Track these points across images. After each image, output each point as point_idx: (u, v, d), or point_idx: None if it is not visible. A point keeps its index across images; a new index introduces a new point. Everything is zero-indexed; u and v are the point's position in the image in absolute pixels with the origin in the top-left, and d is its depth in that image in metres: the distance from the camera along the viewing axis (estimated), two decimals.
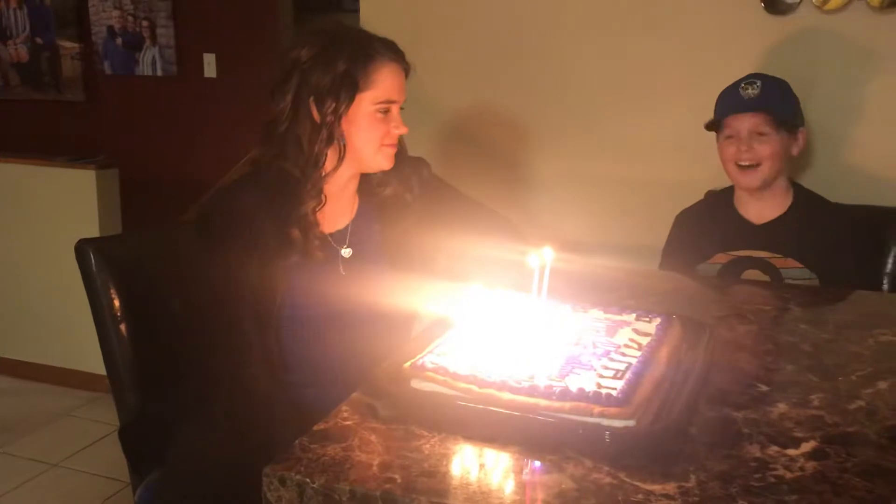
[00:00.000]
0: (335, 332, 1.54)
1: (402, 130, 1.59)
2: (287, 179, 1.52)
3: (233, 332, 1.45)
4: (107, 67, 4.40)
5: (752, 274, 1.97)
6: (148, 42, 4.28)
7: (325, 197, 1.54)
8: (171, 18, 4.19)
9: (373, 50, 1.54)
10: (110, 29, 4.35)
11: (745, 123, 1.96)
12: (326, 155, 1.53)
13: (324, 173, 1.54)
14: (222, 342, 1.46)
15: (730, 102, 2.00)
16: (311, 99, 1.51)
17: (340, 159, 1.55)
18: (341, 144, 1.54)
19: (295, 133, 1.53)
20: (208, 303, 1.50)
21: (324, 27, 1.58)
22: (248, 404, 1.41)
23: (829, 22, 2.22)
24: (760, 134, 1.95)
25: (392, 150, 1.59)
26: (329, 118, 1.51)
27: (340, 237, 1.60)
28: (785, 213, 2.01)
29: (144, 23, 4.27)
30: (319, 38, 1.54)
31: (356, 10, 2.78)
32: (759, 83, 1.96)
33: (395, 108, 1.58)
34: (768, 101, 1.94)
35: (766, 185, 1.98)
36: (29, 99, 4.58)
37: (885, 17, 2.17)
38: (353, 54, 1.52)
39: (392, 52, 1.56)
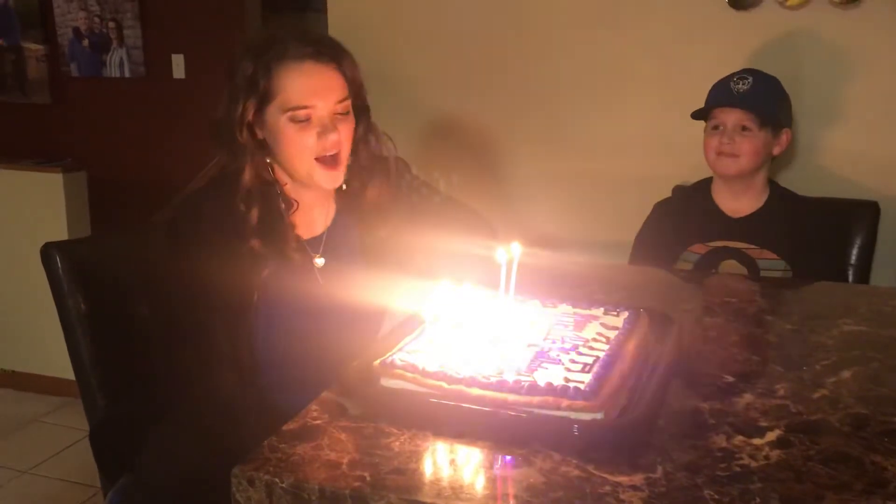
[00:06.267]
0: (310, 340, 1.51)
1: (330, 140, 1.41)
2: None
3: (201, 338, 1.43)
4: (73, 69, 4.33)
5: (730, 265, 2.00)
6: (115, 43, 4.23)
7: (297, 202, 1.48)
8: (139, 19, 4.14)
9: (279, 50, 1.40)
10: (76, 30, 4.29)
11: (730, 117, 2.00)
12: (272, 167, 1.46)
13: (283, 183, 1.48)
14: (190, 347, 1.44)
15: (719, 95, 2.04)
16: (231, 103, 1.42)
17: (287, 174, 1.47)
18: (270, 160, 1.44)
19: (227, 140, 1.45)
20: (177, 307, 1.47)
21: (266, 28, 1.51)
22: (215, 409, 1.39)
23: (792, 18, 2.26)
24: (744, 129, 1.98)
25: (331, 169, 1.45)
26: (238, 125, 1.40)
27: (316, 244, 1.54)
28: (761, 209, 2.05)
29: (111, 24, 4.21)
30: (247, 37, 1.47)
31: (324, 10, 2.77)
32: (750, 79, 2.00)
33: (315, 114, 1.41)
34: (756, 98, 1.98)
35: (741, 176, 2.02)
36: None
37: (846, 12, 2.20)
38: (257, 55, 1.40)
39: (306, 48, 1.41)
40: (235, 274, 1.43)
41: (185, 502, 1.33)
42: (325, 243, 1.54)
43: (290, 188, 1.51)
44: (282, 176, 1.50)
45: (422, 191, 1.68)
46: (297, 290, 1.49)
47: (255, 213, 1.43)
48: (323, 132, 1.42)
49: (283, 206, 1.48)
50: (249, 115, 1.40)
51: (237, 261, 1.44)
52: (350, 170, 1.51)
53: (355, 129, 1.50)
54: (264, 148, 1.45)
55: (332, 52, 1.44)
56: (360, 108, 1.52)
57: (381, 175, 1.55)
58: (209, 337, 1.43)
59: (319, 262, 1.53)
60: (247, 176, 1.43)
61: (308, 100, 1.40)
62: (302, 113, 1.41)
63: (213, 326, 1.43)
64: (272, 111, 1.42)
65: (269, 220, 1.46)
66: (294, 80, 1.40)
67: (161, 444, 1.43)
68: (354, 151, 1.51)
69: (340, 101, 1.45)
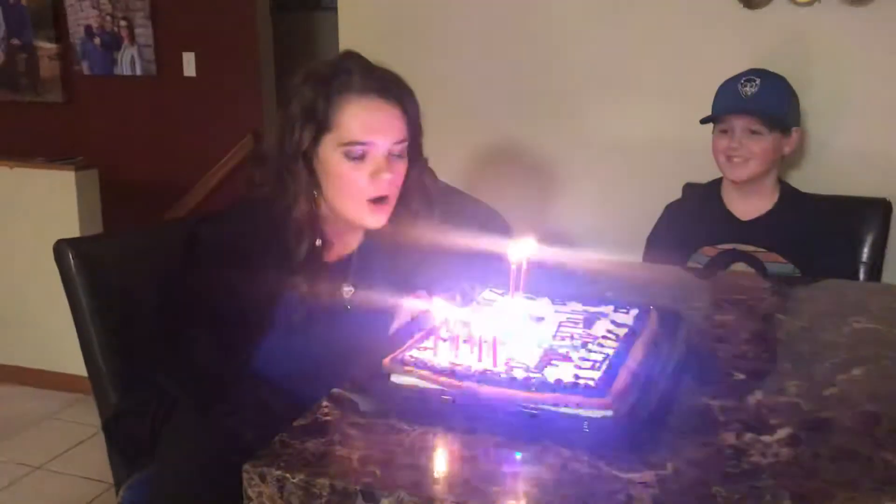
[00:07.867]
0: (329, 357, 1.47)
1: (383, 181, 1.35)
2: (285, 213, 1.39)
3: (206, 349, 1.39)
4: (85, 68, 4.36)
5: (739, 267, 1.99)
6: (126, 42, 4.25)
7: (327, 235, 1.42)
8: (150, 18, 4.17)
9: (343, 81, 1.35)
10: (88, 29, 4.31)
11: (739, 121, 1.99)
12: (313, 196, 1.38)
13: (316, 213, 1.39)
14: (196, 353, 1.40)
15: (727, 100, 2.02)
16: (287, 130, 1.37)
17: (330, 208, 1.39)
18: (315, 194, 1.37)
19: (279, 168, 1.39)
20: (187, 318, 1.42)
21: (336, 54, 1.42)
22: (221, 406, 1.38)
23: (803, 15, 2.25)
24: (753, 132, 1.97)
25: (378, 212, 1.38)
26: (293, 154, 1.35)
27: (344, 267, 1.48)
28: (771, 211, 2.04)
29: (122, 22, 4.24)
30: (311, 64, 1.40)
31: (334, 8, 2.78)
32: (758, 81, 1.98)
33: (372, 153, 1.35)
34: (764, 101, 1.96)
35: (752, 180, 2.00)
36: (6, 101, 4.54)
37: (857, 10, 2.19)
38: (319, 83, 1.35)
39: (372, 82, 1.36)
40: (256, 299, 1.36)
41: (197, 497, 1.33)
42: (354, 268, 1.48)
43: (324, 220, 1.45)
44: (323, 209, 1.44)
45: (446, 196, 1.61)
46: (323, 316, 1.42)
47: (304, 249, 1.38)
48: (376, 172, 1.36)
49: (319, 242, 1.42)
50: (305, 145, 1.36)
51: (260, 286, 1.36)
52: (398, 213, 1.45)
53: (409, 173, 1.44)
54: (318, 181, 1.40)
55: (397, 91, 1.40)
56: (415, 151, 1.47)
57: (426, 219, 1.49)
58: (214, 349, 1.38)
59: (348, 291, 1.48)
60: (302, 208, 1.38)
61: (366, 136, 1.35)
62: (358, 149, 1.36)
63: (221, 343, 1.37)
64: (327, 144, 1.37)
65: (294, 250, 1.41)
66: (355, 113, 1.35)
67: (172, 440, 1.43)
68: (405, 195, 1.45)
69: (398, 143, 1.40)
